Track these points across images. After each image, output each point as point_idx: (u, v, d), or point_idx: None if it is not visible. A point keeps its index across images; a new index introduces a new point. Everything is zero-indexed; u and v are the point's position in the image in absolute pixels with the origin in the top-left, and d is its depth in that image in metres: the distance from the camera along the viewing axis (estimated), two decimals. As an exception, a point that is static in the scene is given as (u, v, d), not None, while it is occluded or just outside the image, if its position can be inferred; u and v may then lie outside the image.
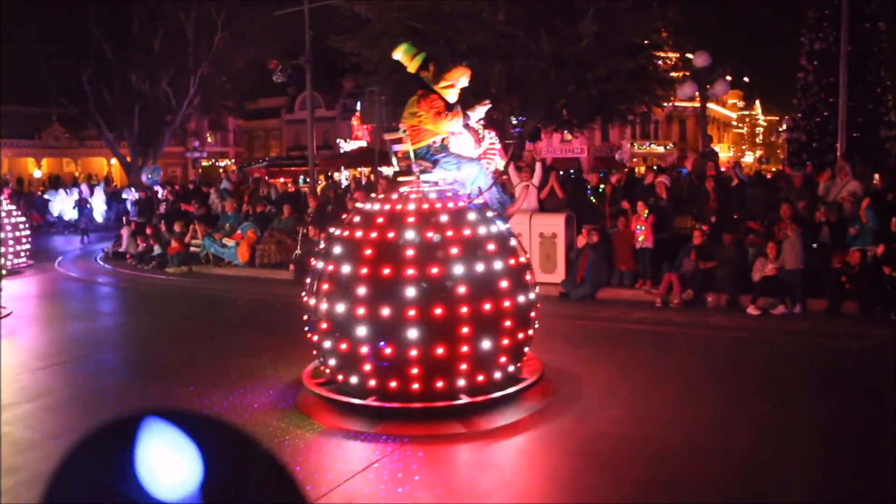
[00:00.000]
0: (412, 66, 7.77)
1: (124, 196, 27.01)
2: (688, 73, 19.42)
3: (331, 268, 6.97)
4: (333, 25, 20.47)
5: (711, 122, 57.86)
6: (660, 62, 21.19)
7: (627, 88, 18.01)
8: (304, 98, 23.56)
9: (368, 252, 6.74)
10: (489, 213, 7.44)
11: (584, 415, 6.88)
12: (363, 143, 43.97)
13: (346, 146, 47.56)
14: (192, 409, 1.69)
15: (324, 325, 6.94)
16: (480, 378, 6.78)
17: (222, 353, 9.38)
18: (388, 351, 6.51)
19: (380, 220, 6.96)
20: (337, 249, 7.06)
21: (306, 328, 7.38)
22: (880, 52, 26.91)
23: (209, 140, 54.10)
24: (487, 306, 6.67)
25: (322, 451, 6.14)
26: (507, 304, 6.84)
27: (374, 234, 6.86)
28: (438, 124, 7.41)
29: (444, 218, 6.90)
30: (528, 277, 7.39)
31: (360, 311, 6.58)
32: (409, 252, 6.64)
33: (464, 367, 6.62)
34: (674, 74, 21.09)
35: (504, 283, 6.84)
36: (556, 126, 21.66)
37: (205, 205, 19.81)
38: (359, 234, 6.97)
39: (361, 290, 6.61)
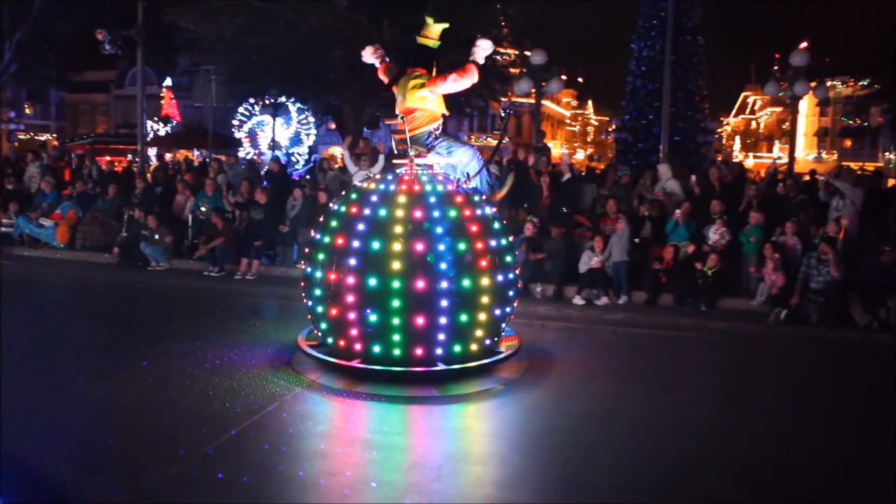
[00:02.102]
0: (436, 31, 8.10)
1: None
2: (525, 70, 19.96)
3: (326, 239, 7.64)
4: (170, -3, 19.50)
5: (546, 118, 59.93)
6: (499, 58, 21.69)
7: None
8: (136, 73, 22.33)
9: (361, 227, 7.37)
10: (478, 197, 7.80)
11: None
12: (172, 123, 42.08)
13: (159, 127, 44.65)
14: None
15: (317, 292, 7.62)
16: (457, 348, 7.45)
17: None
18: (374, 318, 7.20)
19: (374, 198, 7.54)
20: (333, 223, 7.67)
21: (303, 294, 7.99)
22: (699, 64, 28.80)
23: (28, 112, 50.27)
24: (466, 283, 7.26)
25: (296, 402, 6.97)
26: (485, 281, 7.37)
27: (367, 211, 7.46)
28: (462, 81, 7.76)
29: (432, 199, 7.44)
30: (508, 259, 7.82)
31: (350, 280, 7.24)
32: (398, 229, 7.22)
33: (442, 336, 7.28)
34: (512, 70, 21.64)
35: (483, 263, 7.37)
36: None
37: (20, 181, 18.38)
38: (354, 210, 7.59)
39: (352, 261, 7.28)
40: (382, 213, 7.40)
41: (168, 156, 37.14)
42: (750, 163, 52.23)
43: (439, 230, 7.27)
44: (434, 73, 7.91)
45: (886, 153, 47.27)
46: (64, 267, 14.56)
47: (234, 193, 14.97)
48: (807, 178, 17.62)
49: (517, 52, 24.28)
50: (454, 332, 7.34)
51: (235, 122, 25.76)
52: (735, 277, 12.20)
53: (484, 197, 8.02)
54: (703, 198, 13.20)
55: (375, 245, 7.25)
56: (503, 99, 22.63)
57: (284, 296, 11.96)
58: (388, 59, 8.52)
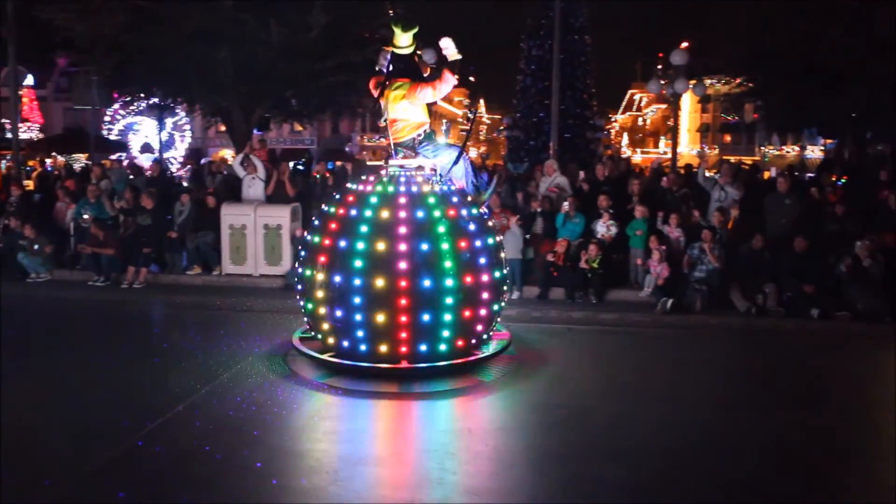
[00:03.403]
0: (408, 38, 7.99)
1: None
2: (415, 70, 19.99)
3: (307, 237, 8.22)
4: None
5: (438, 117, 60.29)
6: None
7: (357, 81, 18.18)
8: (7, 73, 21.24)
9: (333, 226, 7.84)
10: (466, 198, 8.05)
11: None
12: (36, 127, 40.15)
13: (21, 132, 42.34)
14: None
15: (299, 287, 8.22)
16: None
17: None
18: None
19: (350, 198, 7.96)
20: (316, 222, 8.20)
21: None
22: (587, 62, 29.47)
23: None
24: (427, 282, 7.51)
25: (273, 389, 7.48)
26: (449, 283, 7.54)
27: (340, 211, 7.90)
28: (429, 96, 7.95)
29: (402, 200, 7.73)
30: (482, 260, 7.93)
31: (321, 277, 7.77)
32: (364, 228, 7.60)
33: (404, 335, 7.57)
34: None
35: (448, 264, 7.57)
36: (286, 116, 21.39)
37: None
38: (332, 209, 8.05)
39: (322, 259, 7.78)
40: (353, 212, 7.78)
41: (48, 161, 35.49)
42: (638, 158, 54.00)
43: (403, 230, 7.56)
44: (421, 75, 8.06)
45: (762, 147, 49.76)
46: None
47: (118, 199, 14.44)
48: (682, 171, 18.31)
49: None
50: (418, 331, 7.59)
51: (107, 121, 24.73)
52: (624, 270, 12.58)
53: (469, 198, 8.22)
54: (591, 193, 13.53)
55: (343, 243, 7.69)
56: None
57: (177, 304, 11.66)
58: (383, 69, 8.26)
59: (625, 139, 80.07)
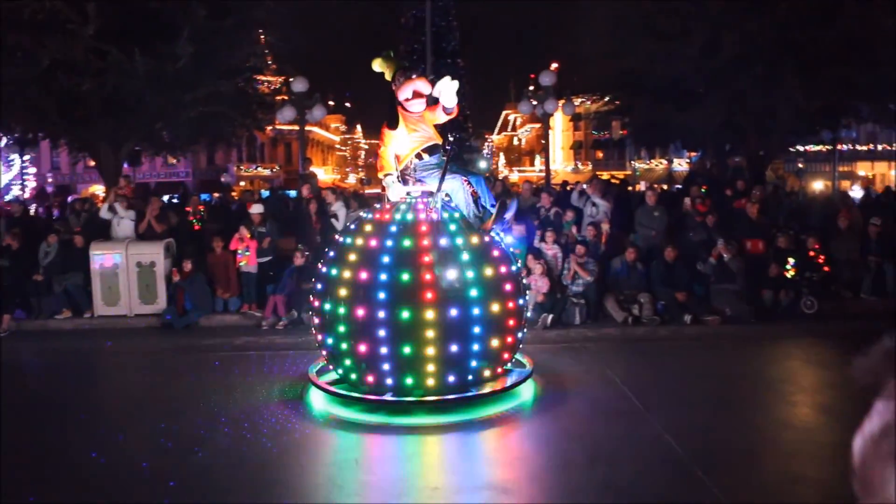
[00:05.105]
0: (388, 77, 7.90)
1: None
2: (287, 98, 19.87)
3: (324, 270, 7.97)
4: None
5: (315, 144, 59.94)
6: (262, 86, 21.42)
7: (228, 111, 17.87)
8: None
9: (353, 258, 7.62)
10: (467, 226, 7.75)
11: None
12: None
13: None
14: None
15: (316, 321, 7.98)
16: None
17: None
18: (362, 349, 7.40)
19: (368, 228, 7.80)
20: (331, 253, 8.00)
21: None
22: (461, 85, 30.02)
23: None
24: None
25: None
26: (430, 313, 7.25)
27: (359, 241, 7.71)
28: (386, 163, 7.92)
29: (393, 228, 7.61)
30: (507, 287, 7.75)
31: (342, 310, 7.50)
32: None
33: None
34: (277, 98, 21.44)
35: (429, 295, 7.28)
36: (157, 149, 20.74)
37: None
38: (347, 240, 7.90)
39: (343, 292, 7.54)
40: (359, 241, 7.68)
41: None
42: (515, 177, 55.20)
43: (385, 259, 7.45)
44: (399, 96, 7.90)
45: (632, 162, 51.86)
46: None
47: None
48: (557, 188, 18.86)
49: (281, 80, 24.11)
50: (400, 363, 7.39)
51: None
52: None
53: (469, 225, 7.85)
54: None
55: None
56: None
57: (46, 351, 11.09)
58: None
59: (501, 159, 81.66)
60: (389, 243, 7.50)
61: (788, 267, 12.41)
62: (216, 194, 26.10)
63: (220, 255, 13.11)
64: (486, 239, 7.87)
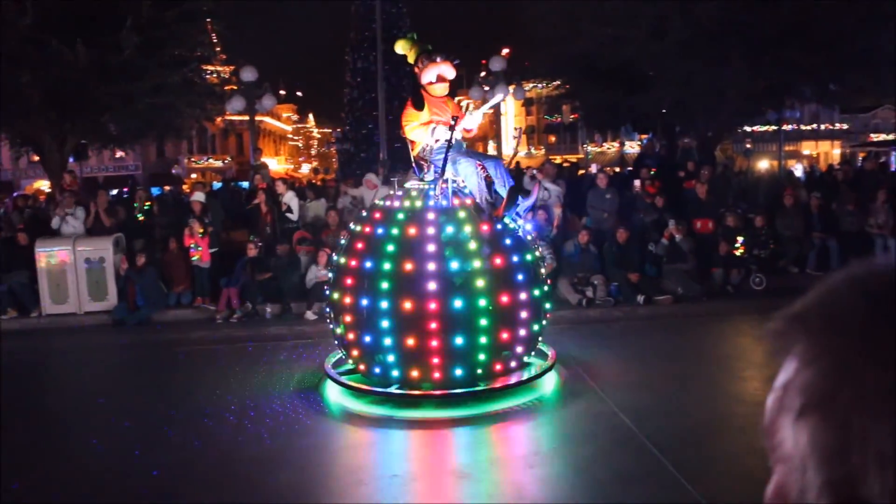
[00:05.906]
0: (411, 60, 7.85)
1: None
2: (236, 88, 19.59)
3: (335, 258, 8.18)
4: None
5: (267, 135, 59.25)
6: (210, 76, 21.08)
7: (176, 102, 17.55)
8: None
9: (359, 245, 7.62)
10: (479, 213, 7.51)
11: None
12: None
13: None
14: None
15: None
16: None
17: None
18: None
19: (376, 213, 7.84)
20: (343, 242, 8.10)
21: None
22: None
23: None
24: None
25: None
26: (432, 305, 7.16)
27: (368, 230, 7.71)
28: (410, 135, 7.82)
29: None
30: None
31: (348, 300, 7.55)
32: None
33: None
34: (227, 88, 21.13)
35: (432, 285, 7.20)
36: (104, 142, 20.31)
37: None
38: (358, 228, 7.89)
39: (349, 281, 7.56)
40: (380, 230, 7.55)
41: None
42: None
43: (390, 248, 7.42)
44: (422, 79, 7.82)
45: (584, 145, 52.24)
46: None
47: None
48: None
49: (230, 70, 23.77)
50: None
51: None
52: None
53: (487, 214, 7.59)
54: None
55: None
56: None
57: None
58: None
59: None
60: (431, 231, 7.34)
61: (737, 245, 12.64)
62: (167, 187, 25.72)
63: (173, 250, 12.88)
64: (498, 227, 7.59)
